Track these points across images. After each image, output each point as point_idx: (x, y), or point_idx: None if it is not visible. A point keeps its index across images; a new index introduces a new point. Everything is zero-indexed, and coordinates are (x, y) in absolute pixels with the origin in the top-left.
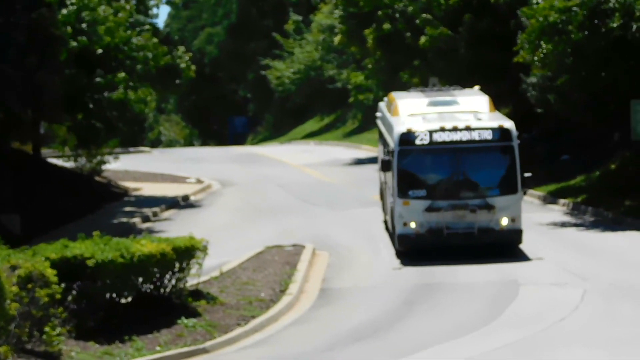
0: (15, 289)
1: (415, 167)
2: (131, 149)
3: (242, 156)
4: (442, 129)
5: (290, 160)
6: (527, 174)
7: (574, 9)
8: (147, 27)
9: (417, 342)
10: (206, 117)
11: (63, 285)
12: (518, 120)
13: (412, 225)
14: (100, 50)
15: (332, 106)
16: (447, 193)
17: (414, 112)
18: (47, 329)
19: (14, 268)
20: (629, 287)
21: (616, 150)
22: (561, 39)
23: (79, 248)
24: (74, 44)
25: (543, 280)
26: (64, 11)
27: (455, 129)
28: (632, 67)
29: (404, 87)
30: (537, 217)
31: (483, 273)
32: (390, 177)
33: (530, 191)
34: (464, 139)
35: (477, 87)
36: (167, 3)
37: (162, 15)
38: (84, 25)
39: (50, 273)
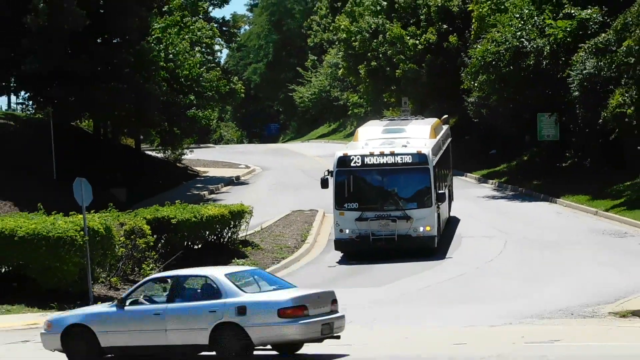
0: (122, 238)
1: (349, 184)
2: (201, 145)
3: (275, 150)
4: (372, 154)
5: (307, 153)
6: (441, 191)
7: (502, 51)
8: (213, 65)
9: (391, 276)
10: (251, 124)
11: (155, 236)
12: (462, 126)
13: (347, 231)
14: (181, 78)
15: (336, 117)
16: (374, 206)
17: (370, 138)
18: (144, 266)
19: (121, 224)
20: (536, 239)
21: (527, 147)
22: (493, 71)
23: (166, 211)
24: (163, 72)
25: (479, 234)
26: (156, 48)
27: (382, 154)
28: (540, 91)
29: (386, 104)
30: (473, 191)
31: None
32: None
33: (469, 174)
34: (389, 162)
35: (445, 117)
36: (227, 47)
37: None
38: (170, 56)
39: (146, 228)
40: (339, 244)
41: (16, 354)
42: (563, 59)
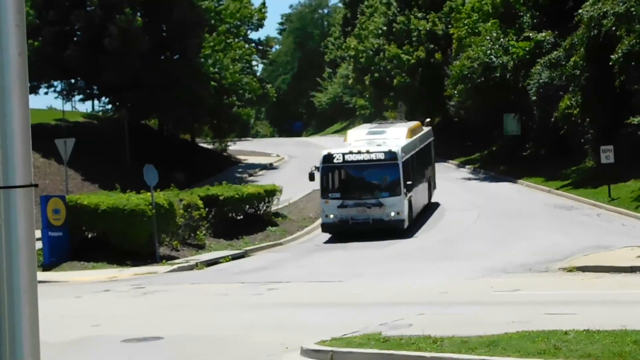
0: (181, 211)
1: (333, 177)
2: (242, 139)
3: (300, 142)
4: (351, 152)
5: (325, 145)
6: (409, 182)
7: (476, 66)
8: (251, 76)
9: (384, 243)
10: (281, 121)
11: (206, 209)
12: (445, 123)
13: (331, 216)
14: (225, 85)
15: (347, 116)
16: (353, 195)
17: (356, 139)
18: (198, 232)
19: (181, 200)
20: (502, 211)
21: (496, 140)
22: (469, 82)
23: (215, 190)
24: (213, 83)
25: (458, 207)
26: (206, 63)
27: (359, 152)
28: (506, 96)
29: (385, 107)
30: (454, 174)
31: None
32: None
33: (450, 161)
34: (366, 158)
35: (427, 120)
36: (262, 62)
37: (259, 68)
38: (217, 69)
39: (200, 203)
40: (325, 227)
41: (100, 300)
42: (523, 71)
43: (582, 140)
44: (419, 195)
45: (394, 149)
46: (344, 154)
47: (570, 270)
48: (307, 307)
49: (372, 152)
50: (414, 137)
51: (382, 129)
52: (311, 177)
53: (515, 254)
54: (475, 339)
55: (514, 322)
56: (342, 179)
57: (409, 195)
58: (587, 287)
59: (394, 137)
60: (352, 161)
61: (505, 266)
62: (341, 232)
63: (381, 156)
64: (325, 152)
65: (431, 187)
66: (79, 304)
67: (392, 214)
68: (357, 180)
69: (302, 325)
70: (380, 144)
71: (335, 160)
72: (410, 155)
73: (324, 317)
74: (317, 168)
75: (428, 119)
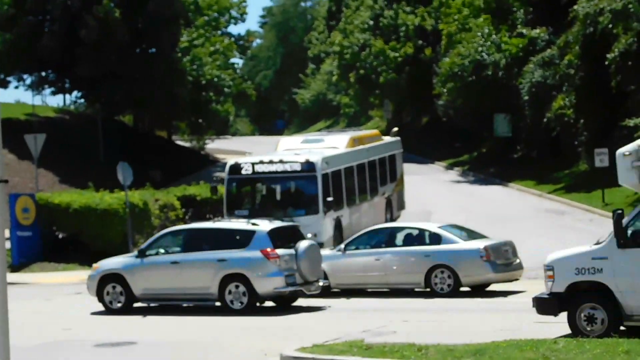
0: (157, 211)
1: (240, 191)
2: (220, 137)
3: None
4: (262, 162)
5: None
6: (329, 199)
7: (466, 63)
8: (229, 70)
9: None
10: (262, 120)
11: (183, 210)
12: (433, 123)
13: None
14: (204, 81)
15: (331, 115)
16: (262, 213)
17: (287, 148)
18: None
19: (156, 200)
20: (491, 215)
21: (486, 141)
22: (459, 80)
23: (192, 189)
24: (189, 78)
25: (445, 211)
26: (183, 59)
27: (271, 162)
28: (497, 96)
29: (371, 105)
30: (442, 176)
31: (412, 207)
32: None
33: (438, 162)
34: (279, 169)
35: (395, 129)
36: (242, 57)
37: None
38: (195, 66)
39: (177, 203)
40: None
41: (71, 302)
42: (516, 69)
43: (576, 143)
44: (362, 215)
45: (312, 159)
46: (253, 164)
47: None
48: (287, 311)
49: (286, 162)
50: (359, 147)
51: (320, 137)
52: (213, 190)
53: None
54: (461, 347)
55: (502, 330)
56: (250, 194)
57: (334, 214)
58: None
59: (331, 146)
60: (263, 172)
61: None
62: None
63: (297, 167)
64: (232, 162)
65: (392, 207)
66: (49, 306)
67: (308, 235)
68: (267, 195)
69: (281, 330)
70: (298, 153)
71: (243, 172)
72: (346, 168)
73: (305, 321)
74: (221, 180)
75: (396, 128)
